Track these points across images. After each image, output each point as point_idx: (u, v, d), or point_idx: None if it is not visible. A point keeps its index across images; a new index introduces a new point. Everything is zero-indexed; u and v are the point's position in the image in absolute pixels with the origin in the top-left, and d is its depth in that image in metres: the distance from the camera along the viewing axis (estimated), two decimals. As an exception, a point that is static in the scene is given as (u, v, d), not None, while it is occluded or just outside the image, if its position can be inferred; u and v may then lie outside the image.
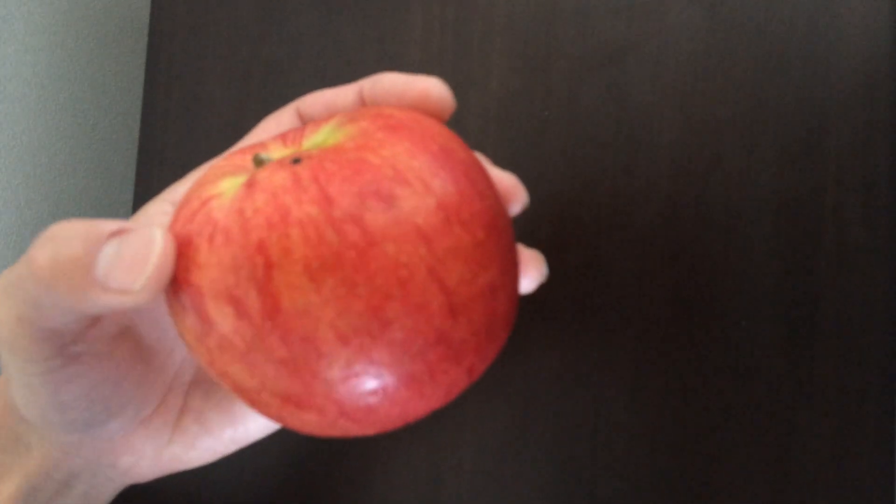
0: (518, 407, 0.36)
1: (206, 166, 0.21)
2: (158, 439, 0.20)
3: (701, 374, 0.33)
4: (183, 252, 0.15)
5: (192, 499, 0.40)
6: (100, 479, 0.20)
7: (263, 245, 0.14)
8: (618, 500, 0.34)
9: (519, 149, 0.37)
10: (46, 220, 0.49)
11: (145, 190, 0.44)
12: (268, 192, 0.15)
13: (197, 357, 0.16)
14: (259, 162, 0.16)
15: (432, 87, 0.18)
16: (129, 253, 0.15)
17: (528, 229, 0.36)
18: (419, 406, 0.16)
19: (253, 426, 0.21)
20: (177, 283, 0.15)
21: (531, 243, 0.36)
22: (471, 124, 0.37)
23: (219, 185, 0.16)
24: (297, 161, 0.15)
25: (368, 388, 0.15)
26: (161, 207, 0.19)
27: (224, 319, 0.14)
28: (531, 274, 0.19)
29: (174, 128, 0.43)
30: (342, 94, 0.20)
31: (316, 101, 0.20)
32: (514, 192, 0.19)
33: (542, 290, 0.36)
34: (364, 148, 0.15)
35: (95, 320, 0.17)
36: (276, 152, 0.18)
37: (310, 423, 0.16)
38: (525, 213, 0.36)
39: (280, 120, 0.21)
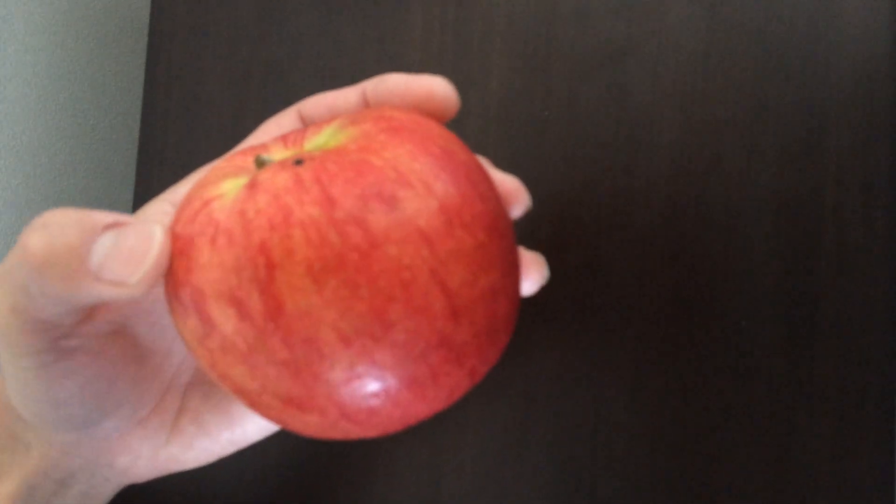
0: (518, 407, 0.36)
1: (206, 168, 0.21)
2: (155, 440, 0.20)
3: (701, 374, 0.33)
4: (185, 253, 0.15)
5: (193, 499, 0.40)
6: (97, 480, 0.20)
7: (266, 246, 0.14)
8: (618, 500, 0.34)
9: (519, 149, 0.37)
10: (46, 220, 0.49)
11: (145, 190, 0.44)
12: (270, 193, 0.15)
13: (198, 359, 0.16)
14: (260, 163, 0.16)
15: (437, 86, 0.18)
16: (127, 246, 0.15)
17: (528, 230, 0.36)
18: (421, 408, 0.16)
19: (251, 428, 0.21)
20: (178, 284, 0.15)
21: (531, 244, 0.36)
22: (471, 124, 0.37)
23: (220, 187, 0.16)
24: (299, 162, 0.15)
25: (370, 389, 0.15)
26: (161, 207, 0.19)
27: (226, 321, 0.14)
28: (532, 276, 0.19)
29: (174, 128, 0.43)
30: (344, 97, 0.20)
31: (318, 103, 0.20)
32: (516, 194, 0.18)
33: (543, 290, 0.36)
34: (366, 150, 0.15)
35: (88, 315, 0.17)
36: (278, 154, 0.17)
37: (311, 425, 0.16)
38: (525, 214, 0.36)
39: (281, 123, 0.21)
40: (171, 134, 0.43)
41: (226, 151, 0.42)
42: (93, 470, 0.20)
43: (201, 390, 0.21)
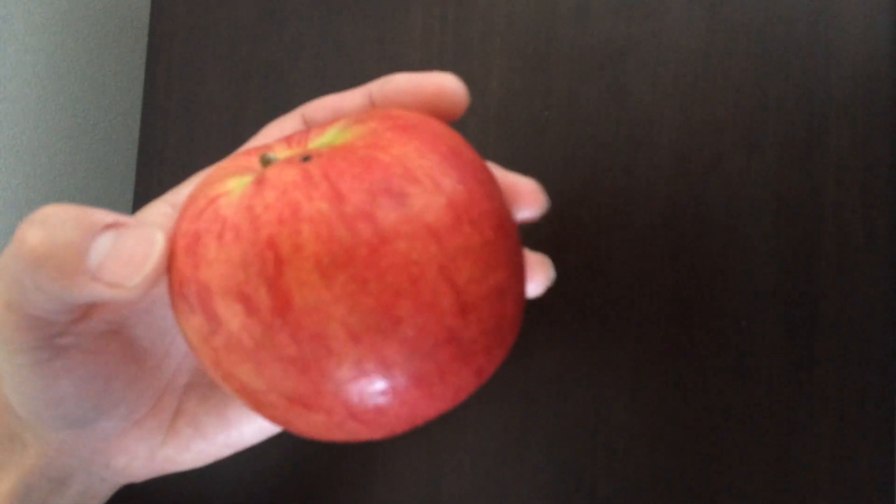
0: (518, 407, 0.36)
1: (209, 170, 0.21)
2: (152, 441, 0.20)
3: (701, 374, 0.33)
4: (190, 249, 0.15)
5: (191, 499, 0.40)
6: (94, 479, 0.20)
7: (274, 241, 0.14)
8: (618, 500, 0.34)
9: (519, 149, 0.37)
10: (46, 220, 0.49)
11: (145, 190, 0.44)
12: (278, 189, 0.14)
13: (200, 358, 0.16)
14: (266, 161, 0.16)
15: (446, 82, 0.18)
16: (128, 248, 0.15)
17: (528, 229, 0.36)
18: (428, 407, 0.15)
19: (247, 431, 0.21)
20: (183, 281, 0.15)
21: (531, 243, 0.36)
22: (471, 124, 0.37)
23: (226, 184, 0.16)
24: (306, 159, 0.15)
25: (378, 387, 0.14)
26: (161, 208, 0.19)
27: (233, 317, 0.14)
28: (538, 278, 0.19)
29: (174, 128, 0.43)
30: (349, 98, 0.20)
31: (321, 106, 0.20)
32: (533, 196, 0.18)
33: (542, 290, 0.36)
34: (374, 146, 0.15)
35: (83, 314, 0.17)
36: (282, 153, 0.17)
37: (317, 424, 0.15)
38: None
39: (283, 126, 0.20)
40: (171, 134, 0.43)
41: (226, 151, 0.42)
42: (89, 469, 0.20)
43: (199, 392, 0.21)
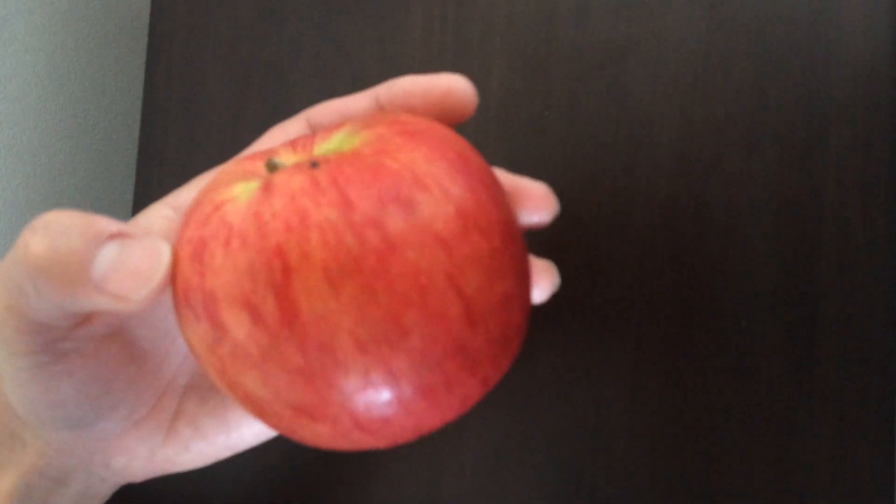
0: (518, 407, 0.36)
1: (210, 173, 0.21)
2: (152, 441, 0.20)
3: (701, 374, 0.33)
4: (196, 257, 0.15)
5: (191, 499, 0.40)
6: (94, 479, 0.20)
7: (282, 249, 0.14)
8: (618, 500, 0.34)
9: (519, 149, 0.37)
10: (46, 220, 0.49)
11: (145, 190, 0.44)
12: (286, 196, 0.14)
13: (206, 367, 0.15)
14: (272, 167, 0.16)
15: (456, 84, 0.18)
16: (133, 260, 0.15)
17: (528, 230, 0.36)
18: (434, 417, 0.15)
19: (247, 432, 0.21)
20: (189, 289, 0.15)
21: (531, 244, 0.36)
22: (471, 124, 0.37)
23: (231, 190, 0.16)
24: (315, 165, 0.15)
25: (384, 398, 0.14)
26: (162, 211, 0.19)
27: (239, 326, 0.14)
28: (543, 284, 0.19)
29: (174, 128, 0.43)
30: (355, 102, 0.19)
31: (327, 109, 0.20)
32: (545, 201, 0.18)
33: (542, 290, 0.36)
34: (382, 153, 0.15)
35: (84, 319, 0.17)
36: (287, 158, 0.17)
37: (322, 435, 0.15)
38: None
39: (287, 129, 0.20)
40: (171, 134, 0.43)
41: (226, 151, 0.42)
42: (89, 469, 0.20)
43: (199, 393, 0.21)
